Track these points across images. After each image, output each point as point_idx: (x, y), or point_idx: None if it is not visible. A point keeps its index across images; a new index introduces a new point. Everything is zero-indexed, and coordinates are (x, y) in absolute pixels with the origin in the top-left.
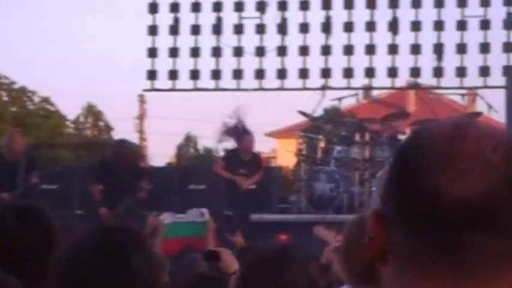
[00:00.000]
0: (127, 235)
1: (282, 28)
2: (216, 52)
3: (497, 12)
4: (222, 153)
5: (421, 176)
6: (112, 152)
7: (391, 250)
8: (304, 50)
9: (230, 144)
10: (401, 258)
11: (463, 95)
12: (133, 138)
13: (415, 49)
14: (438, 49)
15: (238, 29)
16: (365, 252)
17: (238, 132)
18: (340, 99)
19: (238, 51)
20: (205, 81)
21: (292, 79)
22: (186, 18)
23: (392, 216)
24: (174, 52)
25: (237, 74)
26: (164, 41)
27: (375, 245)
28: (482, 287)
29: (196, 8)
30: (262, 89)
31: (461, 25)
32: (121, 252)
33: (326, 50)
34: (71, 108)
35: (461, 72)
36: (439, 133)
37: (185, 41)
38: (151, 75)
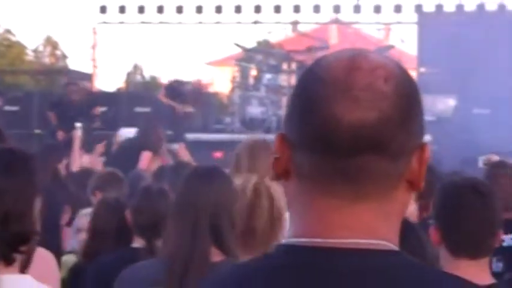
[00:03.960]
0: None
1: None
2: None
3: None
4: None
5: (319, 104)
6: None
7: (294, 169)
8: None
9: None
10: (302, 177)
11: (379, 29)
12: (88, 66)
13: None
14: None
15: None
16: (272, 170)
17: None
18: (270, 32)
19: None
20: (151, 15)
21: (228, 14)
22: None
23: (295, 139)
24: None
25: (179, 9)
26: None
27: (279, 165)
28: (376, 204)
29: None
30: (201, 22)
31: None
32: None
33: None
34: (31, 39)
35: (377, 9)
36: (336, 64)
37: None
38: (103, 9)
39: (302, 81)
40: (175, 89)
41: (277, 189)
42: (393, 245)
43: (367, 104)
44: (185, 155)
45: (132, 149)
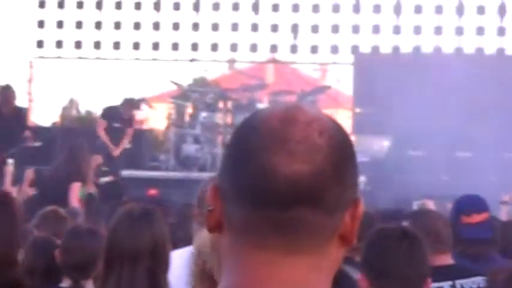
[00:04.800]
0: None
1: (157, 5)
2: (98, 25)
3: None
4: (101, 112)
5: (254, 155)
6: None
7: (227, 222)
8: (176, 26)
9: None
10: (235, 229)
11: (315, 70)
12: (23, 99)
13: (274, 28)
14: (294, 28)
15: (118, 5)
16: (205, 223)
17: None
18: (207, 70)
19: (117, 25)
20: (88, 51)
21: (165, 51)
22: None
23: (228, 191)
24: (60, 24)
25: (116, 45)
26: (52, 14)
27: (213, 217)
28: (309, 258)
29: None
30: (137, 59)
31: (315, 8)
32: None
33: (195, 27)
34: None
35: (314, 49)
36: (272, 116)
37: (70, 14)
38: (40, 44)
39: (237, 133)
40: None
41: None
42: None
43: (303, 157)
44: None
45: (60, 179)
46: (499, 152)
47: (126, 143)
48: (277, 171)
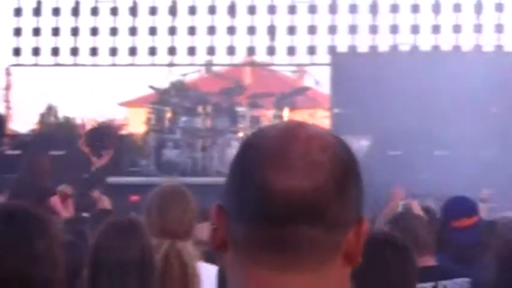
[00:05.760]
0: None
1: (134, 11)
2: (75, 31)
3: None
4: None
5: (254, 172)
6: None
7: (230, 240)
8: (153, 30)
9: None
10: (238, 247)
11: (293, 71)
12: (1, 107)
13: (251, 30)
14: (271, 30)
15: (94, 11)
16: (210, 242)
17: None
18: (185, 74)
19: (94, 31)
20: (65, 57)
21: (142, 56)
22: (48, 1)
23: (230, 209)
24: (36, 31)
25: (93, 51)
26: (28, 21)
27: (217, 235)
28: (310, 276)
29: None
30: (115, 65)
31: (292, 9)
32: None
33: (172, 31)
34: None
35: (291, 51)
36: (273, 134)
37: (47, 21)
38: (17, 51)
39: (239, 151)
40: (95, 136)
41: (190, 252)
42: None
43: (302, 173)
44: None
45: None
46: (476, 150)
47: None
48: (276, 187)
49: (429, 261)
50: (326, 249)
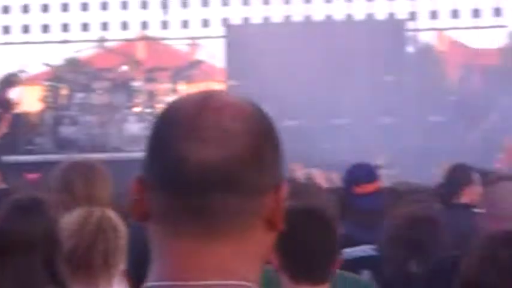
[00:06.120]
0: None
1: None
2: None
3: None
4: None
5: (169, 144)
6: None
7: (151, 211)
8: (45, 8)
9: None
10: (158, 219)
11: (188, 44)
12: None
13: (144, 5)
14: (164, 4)
15: None
16: (132, 213)
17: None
18: (79, 51)
19: None
20: None
21: (35, 34)
22: None
23: (149, 181)
24: None
25: None
26: None
27: (138, 207)
28: (232, 244)
29: None
30: (7, 43)
31: None
32: None
33: (65, 7)
34: None
35: (185, 24)
36: (185, 105)
37: None
38: None
39: (156, 123)
40: None
41: (119, 221)
42: (253, 286)
43: (214, 143)
44: None
45: None
46: (374, 116)
47: (4, 129)
48: (190, 159)
49: None
50: (245, 217)
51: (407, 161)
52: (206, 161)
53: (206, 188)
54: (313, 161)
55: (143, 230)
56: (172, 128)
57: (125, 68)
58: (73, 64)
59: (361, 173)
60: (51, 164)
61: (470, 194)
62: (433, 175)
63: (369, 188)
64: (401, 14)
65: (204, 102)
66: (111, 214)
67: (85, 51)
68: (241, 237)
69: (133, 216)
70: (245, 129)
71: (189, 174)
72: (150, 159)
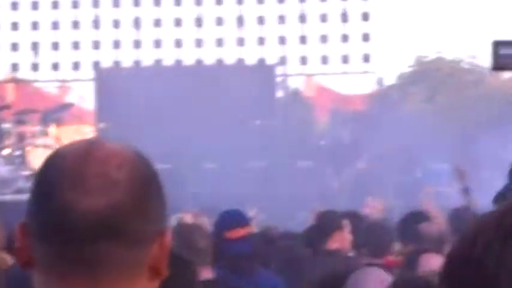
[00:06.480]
0: None
1: None
2: None
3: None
4: None
5: (53, 193)
6: None
7: (36, 259)
8: None
9: None
10: (43, 266)
11: (57, 87)
12: None
13: (14, 46)
14: (35, 46)
15: None
16: (16, 260)
17: None
18: None
19: None
20: None
21: None
22: None
23: (33, 228)
24: None
25: None
26: None
27: (22, 255)
28: None
29: None
30: None
31: (55, 25)
32: None
33: None
34: None
35: (55, 66)
36: (70, 154)
37: None
38: None
39: (39, 171)
40: None
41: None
42: None
43: (100, 192)
44: None
45: None
46: (244, 161)
47: None
48: (75, 207)
49: (207, 273)
50: (130, 265)
51: (277, 206)
52: (91, 211)
53: (91, 237)
54: (184, 205)
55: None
56: (58, 176)
57: None
58: None
59: (232, 217)
60: None
61: (340, 240)
62: (303, 220)
63: (240, 232)
64: (271, 59)
65: (89, 150)
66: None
67: None
68: (126, 285)
69: (18, 264)
70: (130, 178)
71: (73, 223)
72: (34, 208)
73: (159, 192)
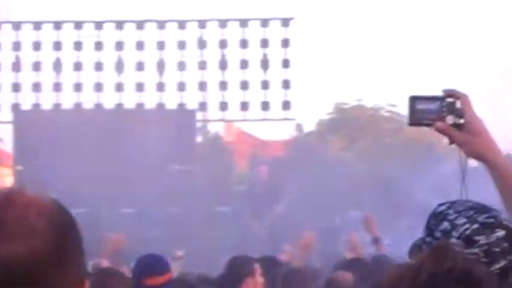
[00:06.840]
0: None
1: None
2: None
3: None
4: None
5: None
6: None
7: None
8: None
9: None
10: None
11: None
12: None
13: None
14: None
15: None
16: None
17: None
18: None
19: None
20: None
21: None
22: None
23: None
24: None
25: None
26: None
27: None
28: None
29: None
30: None
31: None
32: None
33: None
34: None
35: None
36: None
37: None
38: None
39: None
40: None
41: None
42: None
43: (18, 239)
44: None
45: None
46: (162, 206)
47: None
48: None
49: None
50: None
51: (196, 251)
52: (11, 257)
53: (11, 284)
54: (101, 250)
55: None
56: None
57: None
58: None
59: (152, 264)
60: None
61: (252, 285)
62: (222, 265)
63: (160, 279)
64: (192, 104)
65: (10, 199)
66: None
67: None
68: None
69: None
70: (49, 227)
71: None
72: None
73: (78, 241)
